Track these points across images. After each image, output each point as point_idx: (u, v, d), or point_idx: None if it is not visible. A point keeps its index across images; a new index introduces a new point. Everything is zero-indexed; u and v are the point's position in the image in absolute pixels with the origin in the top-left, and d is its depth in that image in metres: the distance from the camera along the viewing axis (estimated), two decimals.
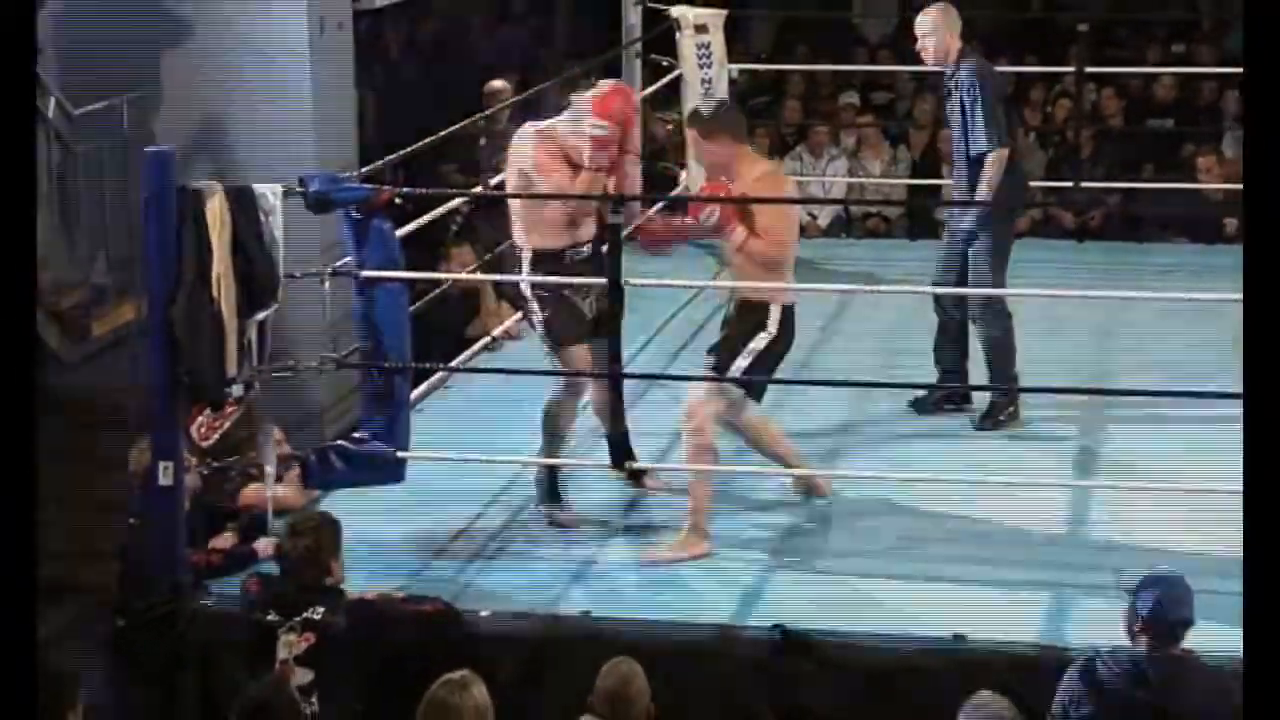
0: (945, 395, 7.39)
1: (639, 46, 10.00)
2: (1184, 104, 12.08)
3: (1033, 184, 9.13)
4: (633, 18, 10.02)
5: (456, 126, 8.08)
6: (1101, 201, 10.80)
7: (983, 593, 5.81)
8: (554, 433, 6.40)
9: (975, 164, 7.12)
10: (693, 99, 9.64)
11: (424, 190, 8.10)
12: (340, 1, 7.63)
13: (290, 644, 5.09)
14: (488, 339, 8.07)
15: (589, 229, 6.39)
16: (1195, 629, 4.66)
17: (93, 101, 7.51)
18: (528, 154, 6.29)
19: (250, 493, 6.23)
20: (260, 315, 5.84)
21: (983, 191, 7.11)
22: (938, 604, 5.72)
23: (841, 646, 5.32)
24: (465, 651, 5.16)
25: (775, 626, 5.49)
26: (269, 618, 5.14)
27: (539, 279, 6.29)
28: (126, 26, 7.27)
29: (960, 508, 6.42)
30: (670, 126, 10.68)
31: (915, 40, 7.40)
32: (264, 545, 5.87)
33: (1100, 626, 4.94)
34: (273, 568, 5.45)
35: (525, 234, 6.36)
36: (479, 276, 8.25)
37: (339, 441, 6.26)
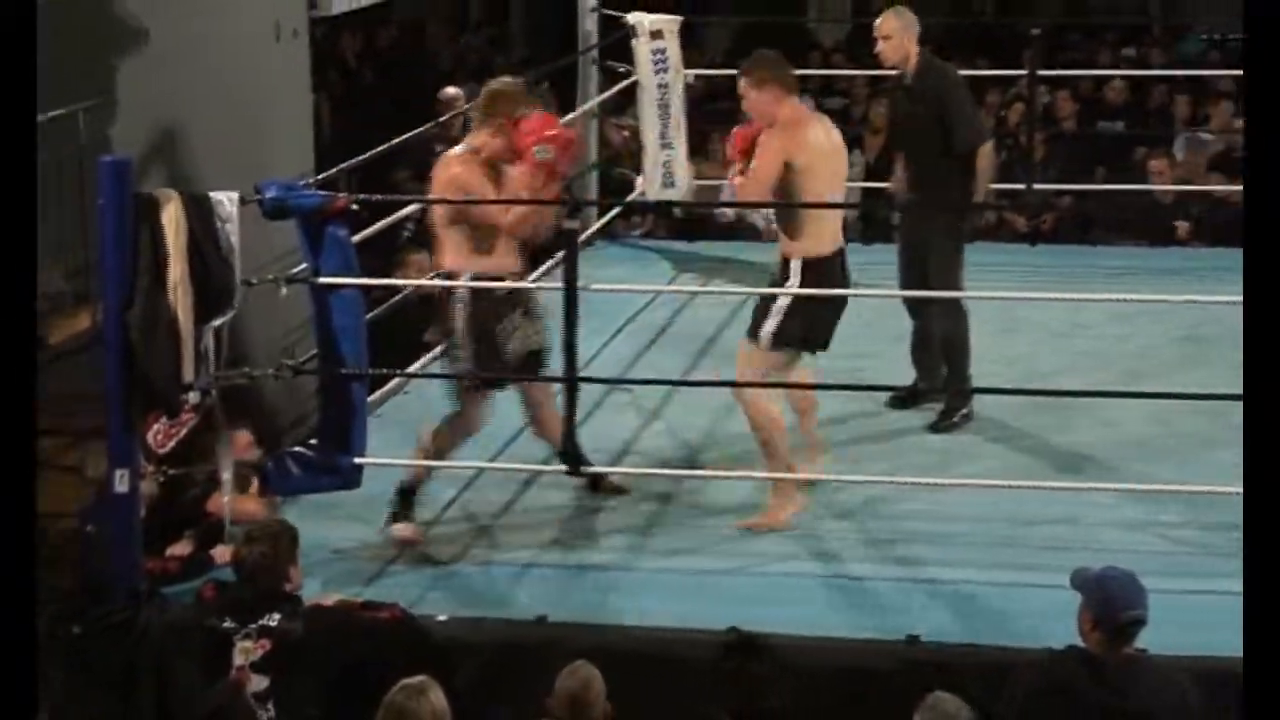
0: (922, 392, 7.44)
1: (595, 53, 10.04)
2: (1135, 107, 12.20)
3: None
4: (589, 24, 10.06)
5: (411, 134, 8.11)
6: (1054, 204, 10.88)
7: (937, 593, 5.84)
8: (438, 455, 6.38)
9: (957, 160, 7.20)
10: (648, 105, 9.70)
11: (380, 197, 8.12)
12: (296, 9, 7.63)
13: (246, 651, 5.08)
14: (444, 345, 8.06)
15: (516, 257, 6.38)
16: (1148, 627, 4.68)
17: (49, 110, 7.49)
18: (456, 177, 6.26)
19: (212, 502, 6.23)
20: (217, 322, 5.84)
21: (979, 185, 7.23)
22: (892, 604, 5.76)
23: (797, 648, 5.32)
24: (422, 657, 5.16)
25: (730, 629, 5.52)
26: (225, 624, 5.13)
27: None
28: (83, 35, 7.26)
29: (915, 507, 6.46)
30: (626, 133, 10.73)
31: (871, 45, 7.47)
32: (221, 552, 5.88)
33: (1054, 626, 4.95)
34: (230, 574, 5.45)
35: (460, 256, 6.29)
36: (435, 283, 8.23)
37: (296, 448, 6.26)
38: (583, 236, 9.31)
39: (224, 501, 6.04)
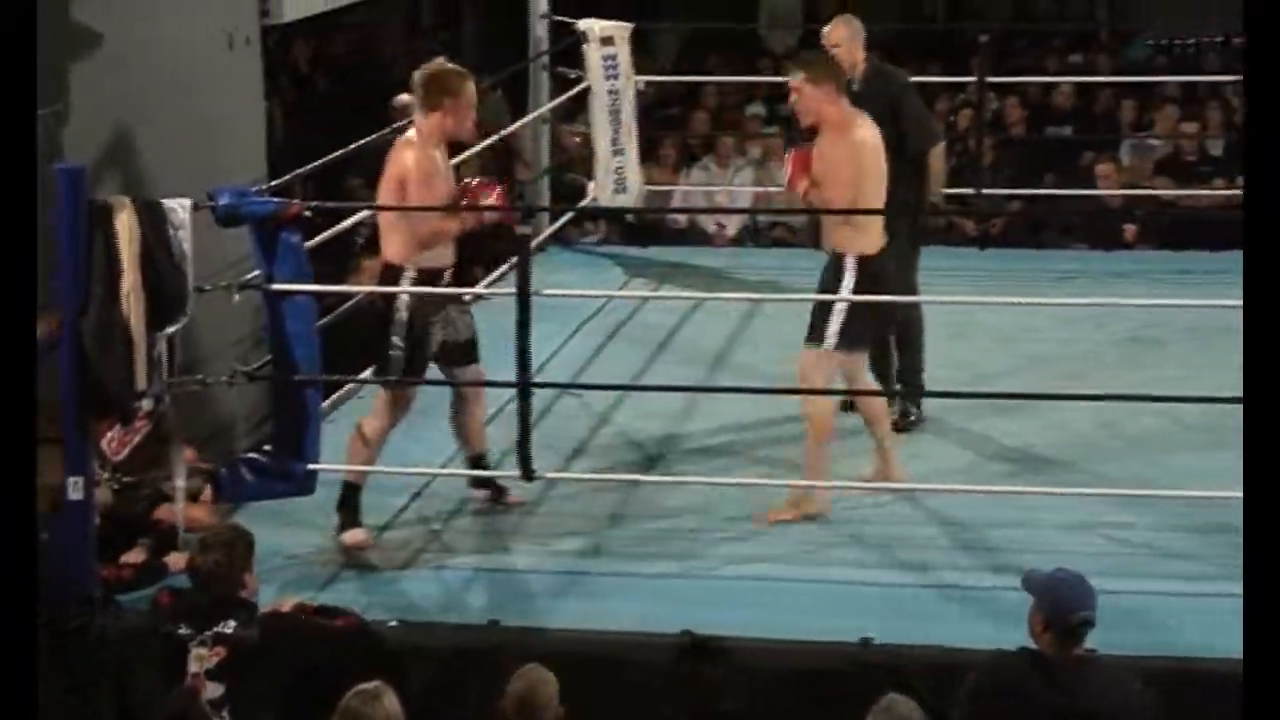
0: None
1: (546, 59, 10.07)
2: (1082, 112, 12.29)
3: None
4: (540, 31, 10.09)
5: (363, 141, 8.12)
6: (1003, 209, 10.97)
7: (890, 595, 5.89)
8: (375, 439, 6.38)
9: (909, 163, 7.27)
10: (599, 111, 9.74)
11: (332, 204, 8.13)
12: (249, 16, 7.62)
13: (202, 658, 5.07)
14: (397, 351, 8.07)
15: (452, 250, 6.41)
16: (1099, 628, 4.69)
17: None
18: (408, 164, 6.27)
19: (164, 508, 6.23)
20: (170, 329, 5.86)
21: (932, 187, 7.32)
22: (846, 607, 5.79)
23: (751, 650, 5.35)
24: (377, 662, 5.16)
25: (684, 632, 5.54)
26: (181, 631, 5.12)
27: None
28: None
29: (868, 510, 6.51)
30: (578, 139, 10.76)
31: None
32: (175, 559, 5.88)
33: (1005, 628, 4.98)
34: (185, 581, 5.45)
35: (406, 249, 6.29)
36: (387, 289, 8.24)
37: (250, 454, 6.29)
38: (535, 242, 9.34)
39: (176, 509, 6.05)
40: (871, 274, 6.45)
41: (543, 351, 7.23)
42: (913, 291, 7.32)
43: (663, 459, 7.09)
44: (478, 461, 6.62)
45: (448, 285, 6.39)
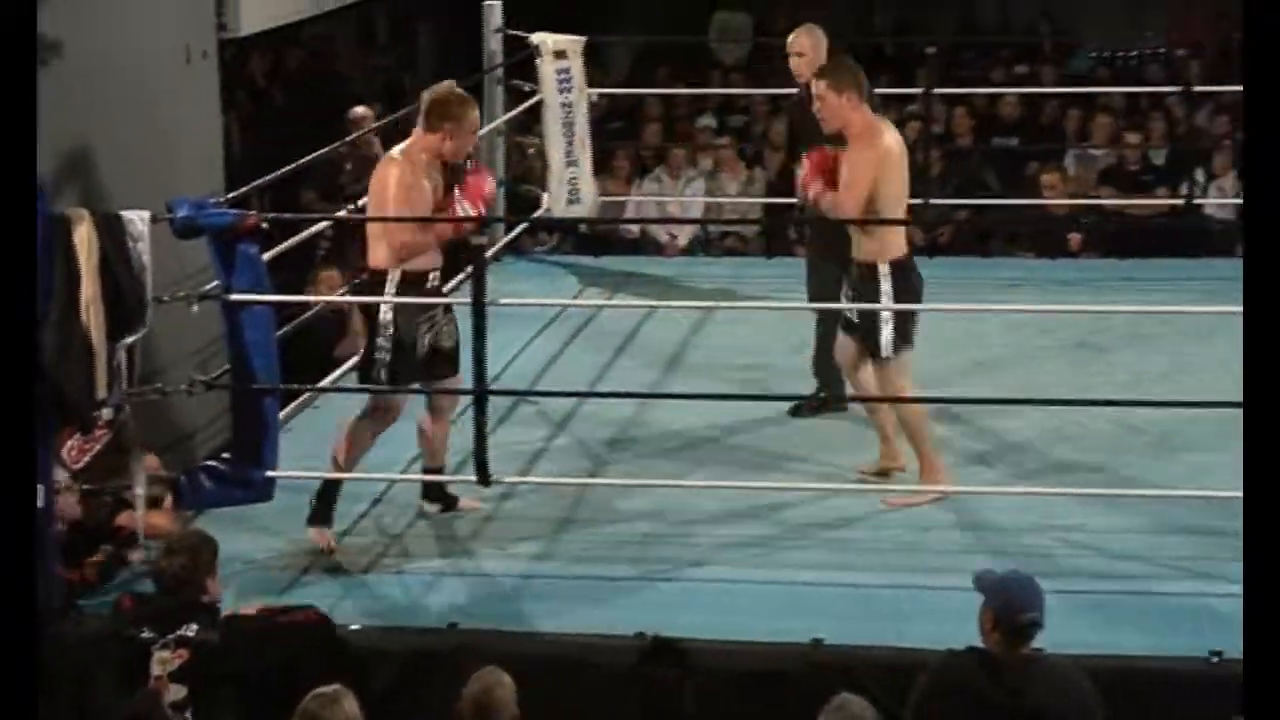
0: (821, 402, 7.61)
1: (500, 72, 10.14)
2: (1028, 123, 12.42)
3: None
4: (494, 44, 10.14)
5: (319, 153, 8.18)
6: (951, 218, 11.08)
7: (841, 596, 5.94)
8: (358, 444, 6.42)
9: None
10: (553, 123, 9.83)
11: (289, 215, 8.19)
12: (206, 30, 7.67)
13: (164, 661, 5.09)
14: (354, 359, 8.13)
15: (439, 255, 6.45)
16: (1047, 628, 4.74)
17: None
18: (389, 181, 6.29)
19: (125, 516, 6.28)
20: (129, 339, 5.90)
21: None
22: (797, 607, 5.84)
23: (704, 651, 5.39)
24: (337, 665, 5.20)
25: (639, 633, 5.59)
26: (143, 635, 5.13)
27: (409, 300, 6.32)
28: None
29: (818, 512, 6.57)
30: (531, 150, 10.83)
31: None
32: (137, 554, 5.94)
33: (956, 628, 5.02)
34: (148, 585, 5.49)
35: (391, 258, 6.31)
36: (342, 299, 8.33)
37: (209, 462, 6.34)
38: (491, 252, 9.41)
39: (137, 516, 6.10)
40: (906, 274, 6.57)
41: (499, 360, 7.31)
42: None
43: (618, 462, 7.14)
44: (435, 474, 6.64)
45: (436, 287, 6.41)
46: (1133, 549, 6.25)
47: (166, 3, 7.41)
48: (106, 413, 5.99)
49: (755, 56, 14.95)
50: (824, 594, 5.96)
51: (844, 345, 6.80)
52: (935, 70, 10.12)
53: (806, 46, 7.56)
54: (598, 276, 9.98)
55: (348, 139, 9.31)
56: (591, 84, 10.28)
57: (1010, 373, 8.00)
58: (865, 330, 6.60)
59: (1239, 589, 5.74)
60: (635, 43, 14.89)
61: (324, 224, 8.57)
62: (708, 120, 12.97)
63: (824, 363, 7.62)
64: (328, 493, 6.37)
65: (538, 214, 10.14)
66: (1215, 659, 5.41)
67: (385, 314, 6.28)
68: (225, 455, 6.29)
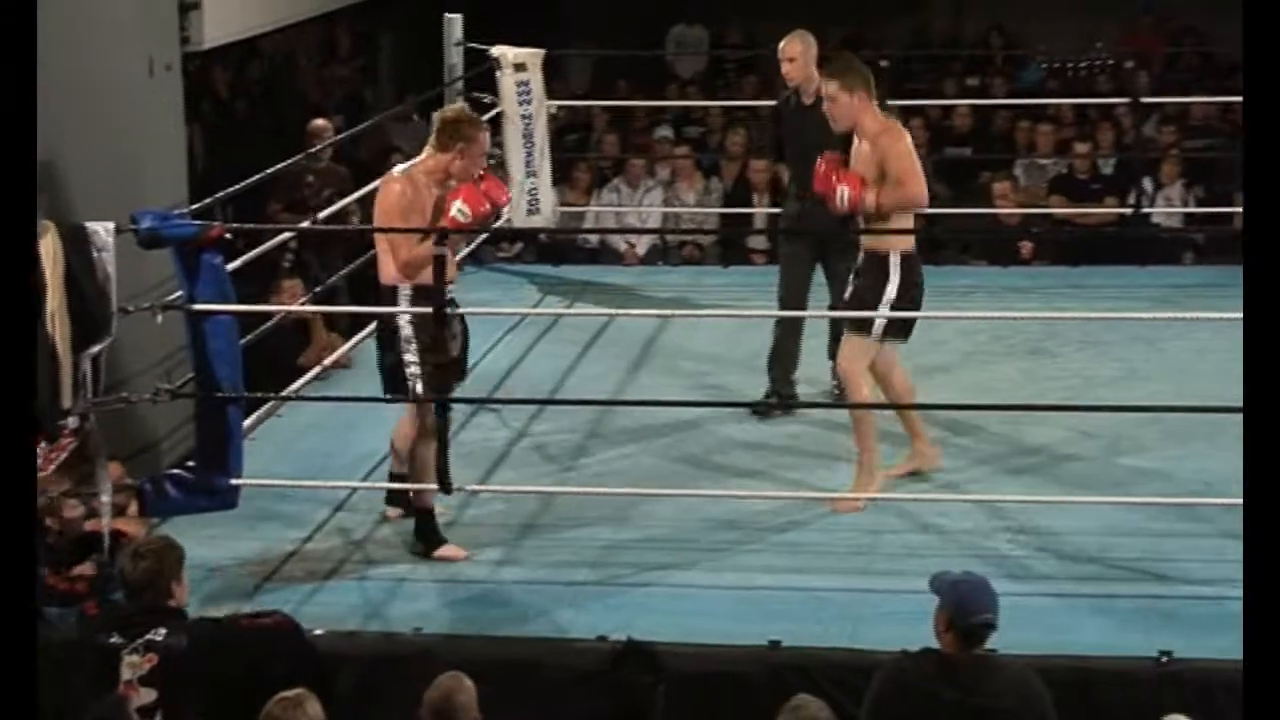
0: (780, 402, 7.73)
1: (461, 85, 10.20)
2: (979, 133, 12.55)
3: None
4: (454, 57, 10.18)
5: (281, 165, 8.24)
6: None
7: (797, 599, 5.99)
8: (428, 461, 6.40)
9: None
10: (513, 135, 9.90)
11: (252, 226, 8.23)
12: (169, 43, 7.69)
13: (134, 665, 5.10)
14: (318, 368, 8.18)
15: (455, 268, 6.53)
16: (1000, 629, 4.78)
17: None
18: (391, 199, 6.34)
19: (91, 524, 6.31)
20: (94, 349, 5.93)
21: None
22: (754, 610, 5.90)
23: (664, 654, 5.34)
24: (304, 668, 5.21)
25: (600, 637, 5.64)
26: (112, 640, 5.15)
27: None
28: None
29: (775, 517, 6.64)
30: (492, 161, 10.88)
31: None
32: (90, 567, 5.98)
33: (910, 630, 5.05)
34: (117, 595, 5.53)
35: (400, 273, 6.33)
36: (305, 308, 8.38)
37: (174, 470, 6.36)
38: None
39: (103, 524, 6.13)
40: (912, 267, 6.68)
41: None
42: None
43: (580, 467, 7.18)
44: (401, 480, 6.69)
45: (450, 298, 6.45)
46: (1084, 551, 6.33)
47: (130, 16, 7.43)
48: (72, 422, 5.99)
49: (710, 70, 15.09)
50: (781, 597, 6.01)
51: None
52: (889, 82, 10.22)
53: (798, 52, 7.72)
54: (557, 285, 10.04)
55: (308, 151, 9.37)
56: (551, 96, 10.36)
57: (964, 378, 8.09)
58: (859, 309, 6.68)
59: (1189, 590, 5.93)
60: (594, 56, 14.98)
61: (287, 235, 8.61)
62: (665, 131, 13.06)
63: (780, 362, 7.74)
64: (426, 517, 6.40)
65: (498, 224, 10.20)
66: (1165, 659, 5.49)
67: (405, 329, 6.31)
68: (190, 463, 6.31)
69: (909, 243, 6.74)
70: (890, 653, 4.96)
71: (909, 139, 6.77)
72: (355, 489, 6.86)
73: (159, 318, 6.30)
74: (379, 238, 6.40)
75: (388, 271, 6.36)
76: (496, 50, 9.94)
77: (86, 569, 6.09)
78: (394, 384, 6.38)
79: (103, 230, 5.94)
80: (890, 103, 10.17)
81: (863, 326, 6.68)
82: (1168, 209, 11.27)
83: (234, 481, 6.26)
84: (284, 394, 7.53)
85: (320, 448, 7.37)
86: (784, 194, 8.07)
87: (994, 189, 11.05)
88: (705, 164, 12.22)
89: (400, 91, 14.21)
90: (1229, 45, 14.41)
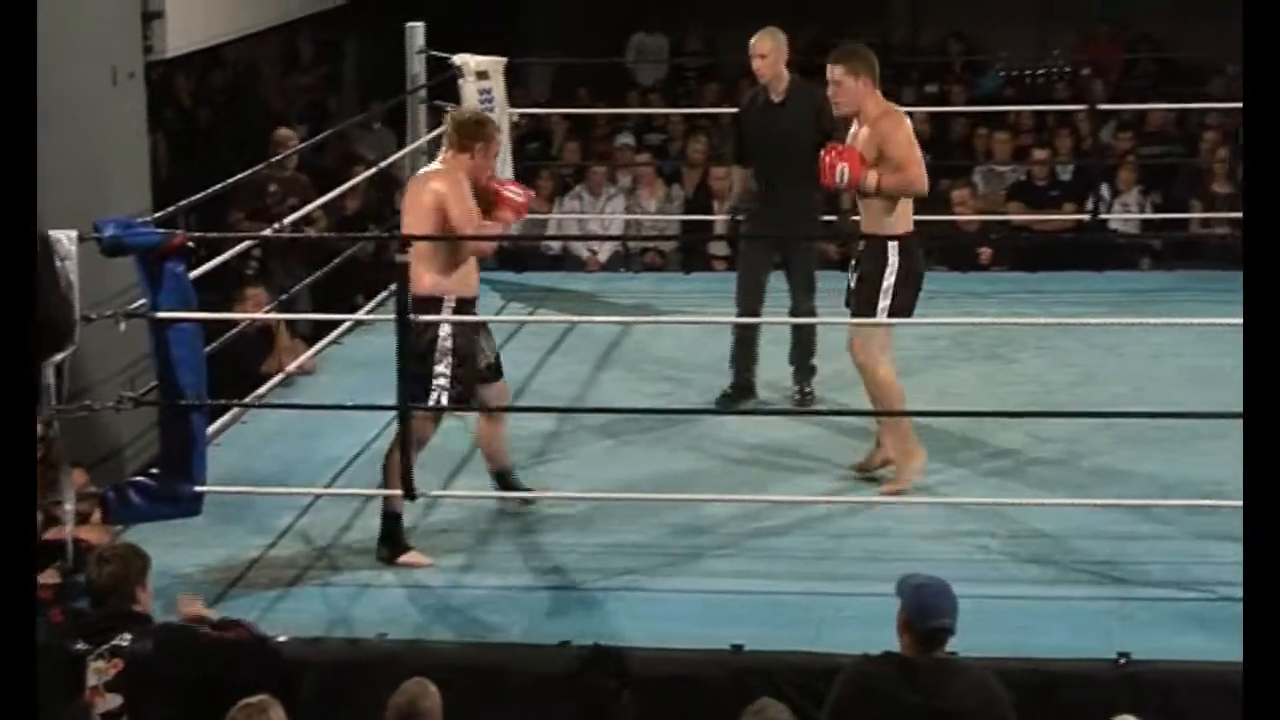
0: (740, 393, 7.85)
1: (424, 93, 10.23)
2: (938, 141, 12.61)
3: None
4: (416, 66, 10.20)
5: (245, 174, 8.25)
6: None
7: (760, 603, 6.03)
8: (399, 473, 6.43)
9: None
10: None
11: (215, 234, 8.25)
12: (132, 51, 7.70)
13: (100, 670, 5.11)
14: (282, 375, 8.19)
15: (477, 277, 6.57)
16: (960, 631, 4.83)
17: None
18: (443, 190, 6.36)
19: (54, 531, 6.31)
20: (58, 357, 5.93)
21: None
22: (717, 615, 5.93)
23: (629, 658, 5.42)
24: (269, 675, 5.23)
25: (563, 642, 5.65)
26: (78, 646, 5.16)
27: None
28: None
29: (738, 520, 6.68)
30: None
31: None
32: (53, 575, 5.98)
33: (872, 633, 5.06)
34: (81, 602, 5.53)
35: (444, 279, 6.38)
36: (271, 316, 8.40)
37: (138, 477, 6.37)
38: None
39: (67, 532, 6.13)
40: (910, 251, 6.73)
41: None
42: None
43: (541, 473, 7.19)
44: (504, 477, 6.75)
45: (474, 313, 6.51)
46: (1043, 554, 6.38)
47: (93, 24, 7.44)
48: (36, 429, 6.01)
49: (671, 78, 15.14)
50: (744, 601, 6.05)
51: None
52: None
53: (769, 48, 7.78)
54: (520, 291, 10.06)
55: (270, 160, 9.39)
56: (513, 104, 10.40)
57: (925, 381, 8.13)
58: (865, 297, 6.73)
59: (1147, 592, 5.99)
60: (555, 64, 15.02)
61: (250, 243, 8.63)
62: (626, 139, 13.10)
63: (743, 351, 7.80)
64: (392, 521, 6.42)
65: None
66: (1123, 660, 5.54)
67: (444, 340, 6.34)
68: (154, 470, 6.32)
69: (908, 227, 6.77)
70: (851, 656, 4.97)
71: (909, 125, 6.85)
72: (319, 495, 6.86)
73: (122, 325, 6.29)
74: (418, 247, 6.33)
75: (428, 280, 6.35)
76: (459, 58, 9.97)
77: (50, 577, 6.08)
78: (416, 391, 6.35)
79: (66, 238, 5.94)
80: None
81: (866, 311, 6.70)
82: (1125, 215, 11.37)
83: (198, 489, 6.27)
84: (247, 401, 7.54)
85: (284, 454, 7.38)
86: (746, 194, 8.08)
87: (953, 196, 11.13)
88: (667, 171, 12.27)
89: (364, 100, 14.23)
90: (1185, 52, 14.57)
